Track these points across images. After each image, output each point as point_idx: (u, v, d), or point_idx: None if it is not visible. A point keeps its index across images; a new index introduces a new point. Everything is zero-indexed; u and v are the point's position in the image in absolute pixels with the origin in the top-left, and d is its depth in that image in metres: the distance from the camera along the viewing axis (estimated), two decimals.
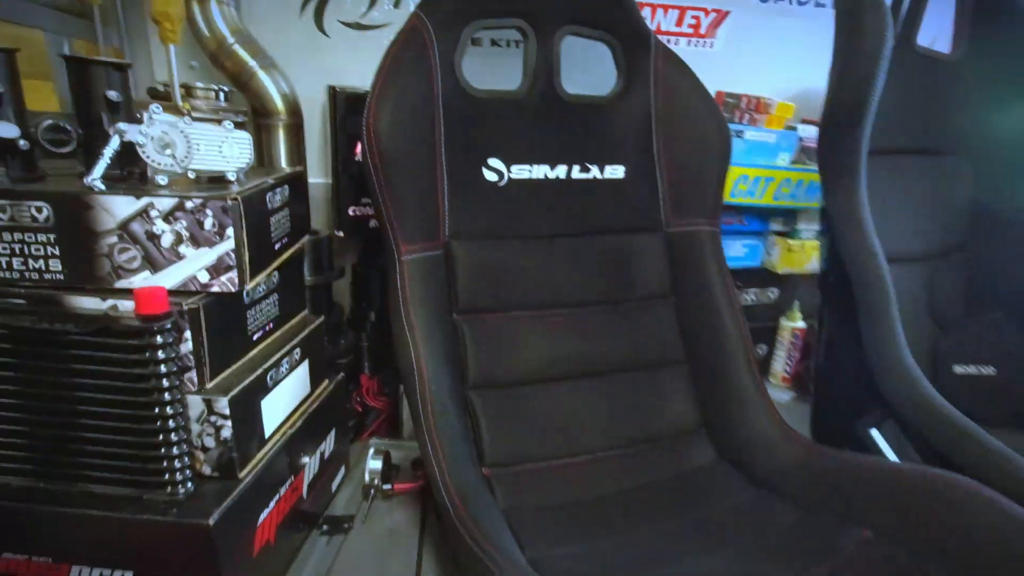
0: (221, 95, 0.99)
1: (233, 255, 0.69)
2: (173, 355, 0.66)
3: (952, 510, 0.69)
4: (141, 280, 0.68)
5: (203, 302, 0.69)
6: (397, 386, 1.21)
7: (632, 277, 0.99)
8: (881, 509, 0.75)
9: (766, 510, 0.84)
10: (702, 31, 1.31)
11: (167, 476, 0.68)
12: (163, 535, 0.67)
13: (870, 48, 0.88)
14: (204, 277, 0.69)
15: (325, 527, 0.96)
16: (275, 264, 0.82)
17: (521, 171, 0.94)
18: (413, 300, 0.83)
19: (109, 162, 0.69)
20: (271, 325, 0.85)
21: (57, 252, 0.67)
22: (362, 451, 1.10)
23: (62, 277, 0.68)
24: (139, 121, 0.70)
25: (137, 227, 0.67)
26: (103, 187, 0.67)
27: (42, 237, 0.67)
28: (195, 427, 0.70)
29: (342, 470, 1.07)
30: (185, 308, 0.67)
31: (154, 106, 0.70)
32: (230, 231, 0.68)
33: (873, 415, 1.02)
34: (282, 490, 0.82)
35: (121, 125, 0.69)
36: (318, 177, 1.20)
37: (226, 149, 0.74)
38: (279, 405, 0.83)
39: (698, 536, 0.80)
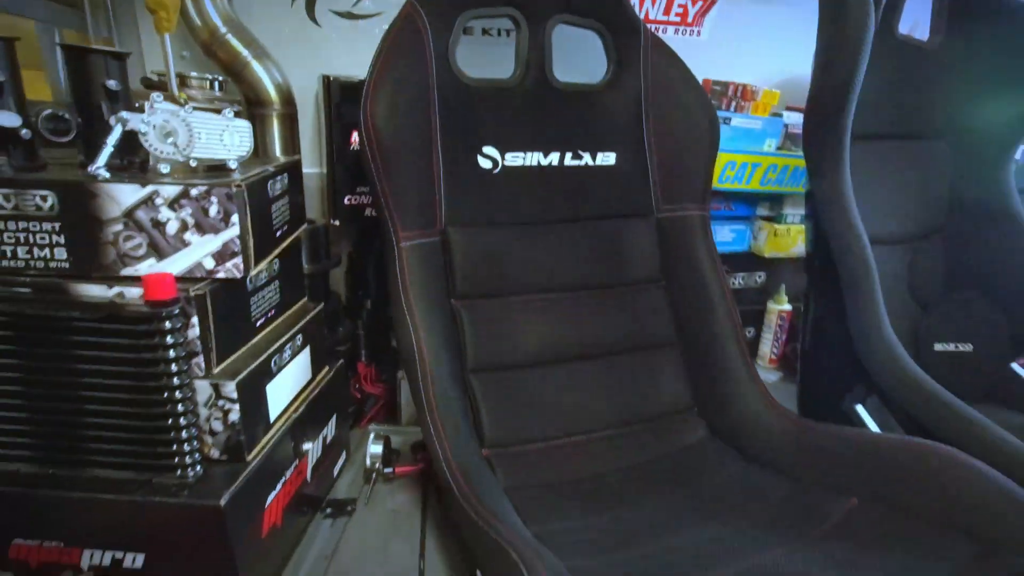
0: (216, 84, 0.99)
1: (238, 241, 0.70)
2: (181, 340, 0.67)
3: (933, 475, 0.72)
4: (147, 267, 0.69)
5: (209, 288, 0.70)
6: (394, 373, 1.22)
7: (625, 261, 1.02)
8: (867, 478, 0.78)
9: (758, 483, 0.87)
10: (689, 20, 1.33)
11: (177, 460, 0.69)
12: (174, 517, 0.68)
13: (853, 36, 0.90)
14: (210, 263, 0.70)
15: (329, 510, 0.98)
16: (276, 251, 0.83)
17: (515, 158, 0.96)
18: (413, 285, 0.85)
19: (112, 150, 0.69)
20: (273, 312, 0.86)
21: (62, 240, 0.68)
22: (362, 437, 1.12)
23: (67, 265, 0.69)
24: (138, 110, 0.71)
25: (142, 215, 0.67)
26: (108, 175, 0.67)
27: (47, 226, 0.67)
28: (203, 411, 0.72)
29: (343, 455, 1.08)
30: (192, 294, 0.68)
31: (155, 95, 0.70)
32: (235, 218, 0.69)
33: (858, 392, 1.06)
34: (287, 473, 0.84)
35: (124, 114, 0.69)
36: (310, 167, 1.20)
37: (227, 137, 0.75)
38: (283, 390, 0.84)
39: (694, 509, 0.83)
